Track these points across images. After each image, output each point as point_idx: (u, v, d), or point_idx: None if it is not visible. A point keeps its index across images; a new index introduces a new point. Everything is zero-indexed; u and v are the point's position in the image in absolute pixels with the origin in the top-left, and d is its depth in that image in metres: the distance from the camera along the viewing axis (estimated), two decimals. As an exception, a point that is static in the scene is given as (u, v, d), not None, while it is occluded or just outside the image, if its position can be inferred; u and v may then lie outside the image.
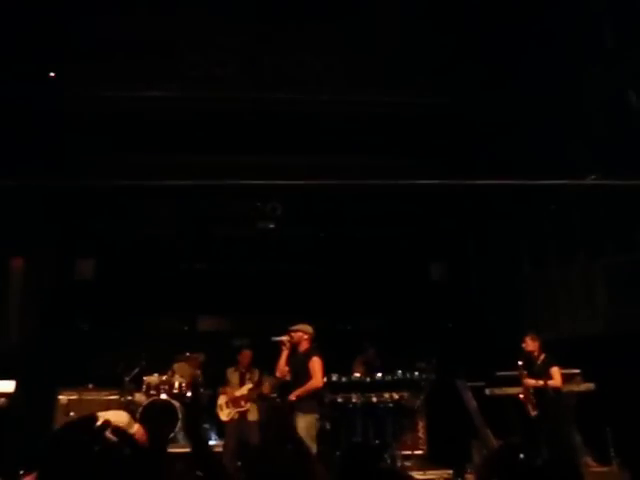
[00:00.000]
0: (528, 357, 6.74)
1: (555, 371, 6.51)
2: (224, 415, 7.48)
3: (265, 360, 7.65)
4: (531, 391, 6.63)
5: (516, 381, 7.17)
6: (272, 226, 8.67)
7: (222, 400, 7.55)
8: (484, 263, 9.01)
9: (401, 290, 9.36)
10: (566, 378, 6.75)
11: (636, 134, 6.19)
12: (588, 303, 7.72)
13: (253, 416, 7.46)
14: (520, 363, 6.75)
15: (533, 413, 6.61)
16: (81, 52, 5.97)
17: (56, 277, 8.41)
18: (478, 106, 6.29)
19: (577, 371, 6.89)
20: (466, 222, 8.58)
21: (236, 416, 7.41)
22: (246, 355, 7.72)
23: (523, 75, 6.48)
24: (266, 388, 7.54)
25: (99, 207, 7.66)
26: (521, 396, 6.74)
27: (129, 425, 6.52)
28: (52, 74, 6.34)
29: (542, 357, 6.65)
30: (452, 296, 9.11)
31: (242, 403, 7.45)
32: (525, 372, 6.71)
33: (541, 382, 6.44)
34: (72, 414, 6.65)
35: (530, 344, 6.74)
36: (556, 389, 6.44)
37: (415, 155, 7.11)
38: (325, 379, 7.39)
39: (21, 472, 6.85)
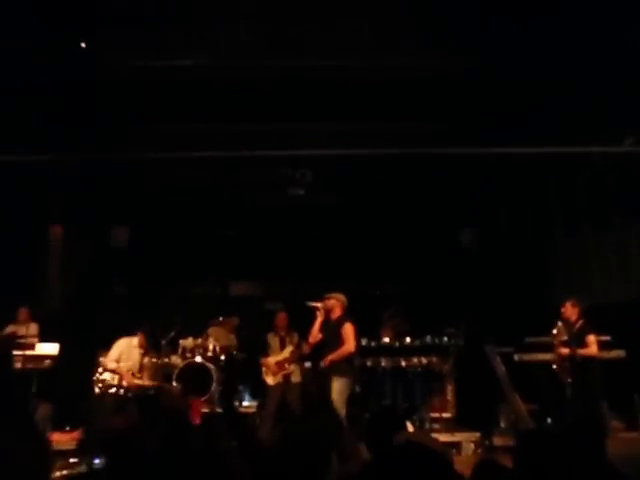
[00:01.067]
0: (565, 323, 6.70)
1: (591, 339, 6.44)
2: (270, 380, 7.75)
3: (297, 324, 7.84)
4: (565, 359, 6.59)
5: (545, 347, 7.19)
6: (302, 192, 8.69)
7: (267, 365, 7.80)
8: (515, 229, 8.92)
9: (431, 256, 9.36)
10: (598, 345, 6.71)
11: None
12: (622, 269, 7.62)
13: (296, 377, 7.76)
14: (555, 332, 6.69)
15: (567, 380, 6.55)
16: (112, 22, 6.00)
17: (93, 244, 8.66)
18: (510, 70, 6.13)
19: (607, 338, 6.83)
20: (498, 188, 8.48)
21: (281, 379, 7.67)
22: (282, 317, 7.94)
23: (557, 36, 6.27)
24: (307, 349, 7.76)
25: (132, 176, 7.81)
26: (554, 366, 6.70)
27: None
28: (83, 44, 6.39)
29: (580, 324, 6.59)
30: (482, 262, 9.07)
31: (286, 366, 7.72)
32: (561, 340, 6.63)
33: (578, 351, 6.39)
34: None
35: (569, 310, 6.66)
36: (591, 357, 6.40)
37: (446, 121, 7.01)
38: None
39: (67, 428, 7.29)
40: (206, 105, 6.75)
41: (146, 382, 6.94)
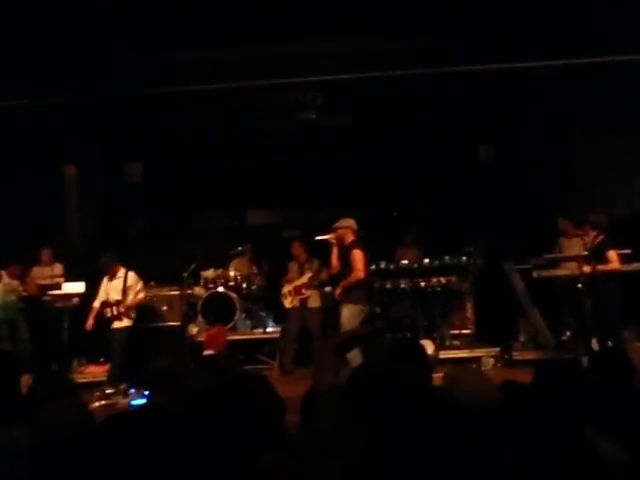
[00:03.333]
0: (583, 239, 6.60)
1: (612, 254, 6.36)
2: (287, 303, 8.01)
3: (316, 249, 7.90)
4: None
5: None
6: (314, 116, 8.49)
7: (285, 289, 8.08)
8: (534, 142, 8.66)
9: (448, 174, 9.20)
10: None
11: None
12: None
13: (314, 302, 7.95)
14: (584, 252, 6.57)
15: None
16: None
17: (107, 181, 8.66)
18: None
19: (627, 251, 6.75)
20: (515, 100, 8.16)
21: (298, 303, 7.90)
22: (297, 246, 8.08)
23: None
24: (325, 275, 7.88)
25: (141, 110, 7.65)
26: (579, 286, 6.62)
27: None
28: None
29: (599, 239, 6.51)
30: (500, 178, 8.90)
31: (303, 291, 7.90)
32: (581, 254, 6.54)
33: (599, 267, 6.31)
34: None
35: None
36: (612, 273, 6.37)
37: (461, 35, 6.68)
38: (373, 267, 7.62)
39: (101, 359, 7.62)
40: (211, 32, 6.49)
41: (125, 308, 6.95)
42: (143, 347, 6.95)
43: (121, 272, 7.04)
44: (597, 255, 6.36)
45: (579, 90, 7.28)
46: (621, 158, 7.80)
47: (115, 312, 6.90)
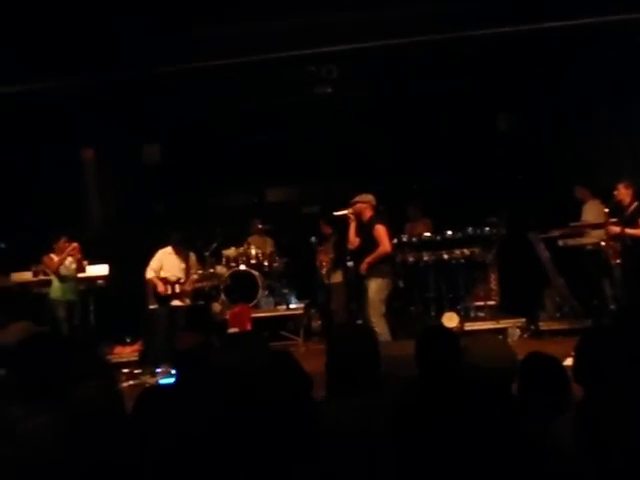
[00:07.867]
0: (618, 205, 6.51)
1: None
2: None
3: (336, 225, 7.87)
4: (615, 240, 6.44)
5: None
6: (329, 90, 8.36)
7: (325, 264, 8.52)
8: (557, 109, 8.44)
9: (468, 144, 9.02)
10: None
11: None
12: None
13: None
14: (606, 210, 6.52)
15: (616, 261, 6.46)
16: None
17: (126, 164, 8.65)
18: None
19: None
20: (538, 66, 7.92)
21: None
22: (326, 228, 8.52)
23: None
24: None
25: (157, 91, 7.59)
26: (603, 243, 6.58)
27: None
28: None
29: (633, 206, 6.39)
30: (522, 147, 8.71)
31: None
32: (611, 220, 6.48)
33: (627, 230, 6.25)
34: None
35: (622, 192, 6.45)
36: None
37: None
38: (395, 240, 7.55)
39: (128, 340, 7.71)
40: (225, 8, 6.37)
41: (189, 287, 7.19)
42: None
43: (182, 251, 7.20)
44: (632, 220, 6.28)
45: (606, 53, 7.05)
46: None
47: (178, 290, 7.08)
